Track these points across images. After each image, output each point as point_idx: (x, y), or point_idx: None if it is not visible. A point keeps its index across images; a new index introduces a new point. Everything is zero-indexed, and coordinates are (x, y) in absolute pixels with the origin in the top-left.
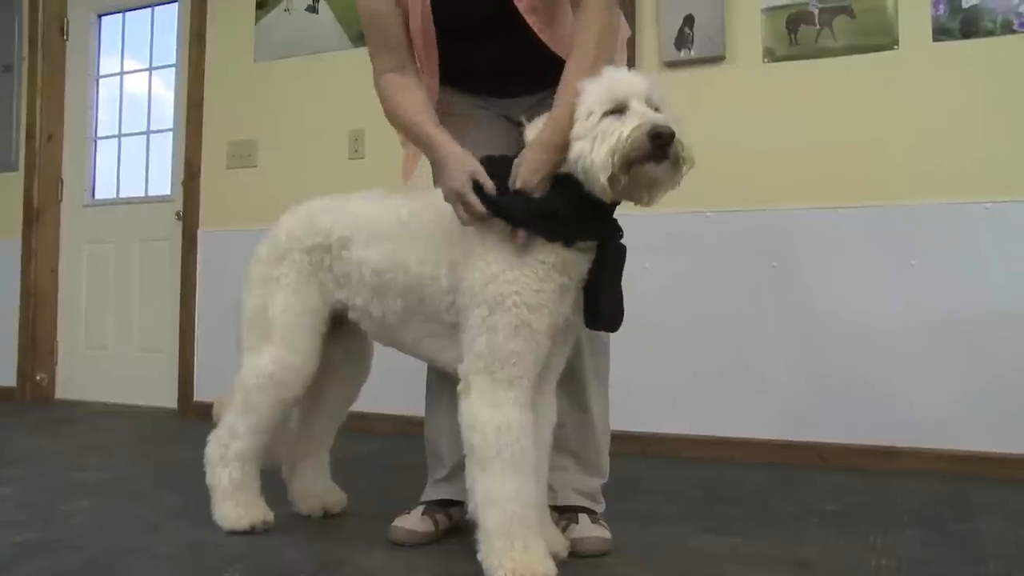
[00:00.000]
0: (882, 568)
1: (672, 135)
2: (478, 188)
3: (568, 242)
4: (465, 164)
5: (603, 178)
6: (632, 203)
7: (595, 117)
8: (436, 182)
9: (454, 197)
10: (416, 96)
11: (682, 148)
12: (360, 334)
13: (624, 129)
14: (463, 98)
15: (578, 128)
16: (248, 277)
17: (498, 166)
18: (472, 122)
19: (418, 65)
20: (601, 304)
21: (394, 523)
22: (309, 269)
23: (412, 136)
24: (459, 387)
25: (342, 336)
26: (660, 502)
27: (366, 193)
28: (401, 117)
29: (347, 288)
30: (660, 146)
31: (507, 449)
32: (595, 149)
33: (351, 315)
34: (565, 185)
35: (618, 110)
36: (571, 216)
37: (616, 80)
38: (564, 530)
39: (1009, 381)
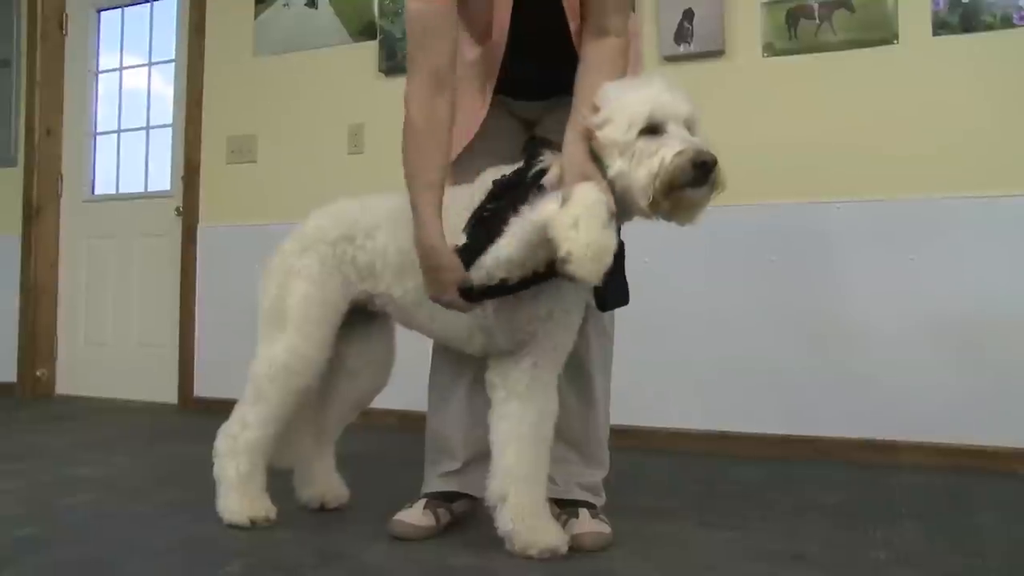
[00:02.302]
0: (880, 561)
1: (715, 162)
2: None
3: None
4: (454, 271)
5: (643, 203)
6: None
7: (632, 132)
8: (421, 256)
9: (444, 304)
10: (439, 149)
11: (720, 173)
12: (384, 343)
13: (666, 154)
14: None
15: (614, 138)
16: (268, 269)
17: (507, 188)
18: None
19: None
20: (608, 292)
21: (396, 517)
22: (332, 261)
23: (409, 188)
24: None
25: (365, 341)
26: (659, 496)
27: (392, 192)
28: (412, 163)
29: (371, 278)
30: (704, 173)
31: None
32: (634, 170)
33: (378, 303)
34: None
35: (654, 129)
36: None
37: (661, 101)
38: (564, 525)
39: (1008, 375)
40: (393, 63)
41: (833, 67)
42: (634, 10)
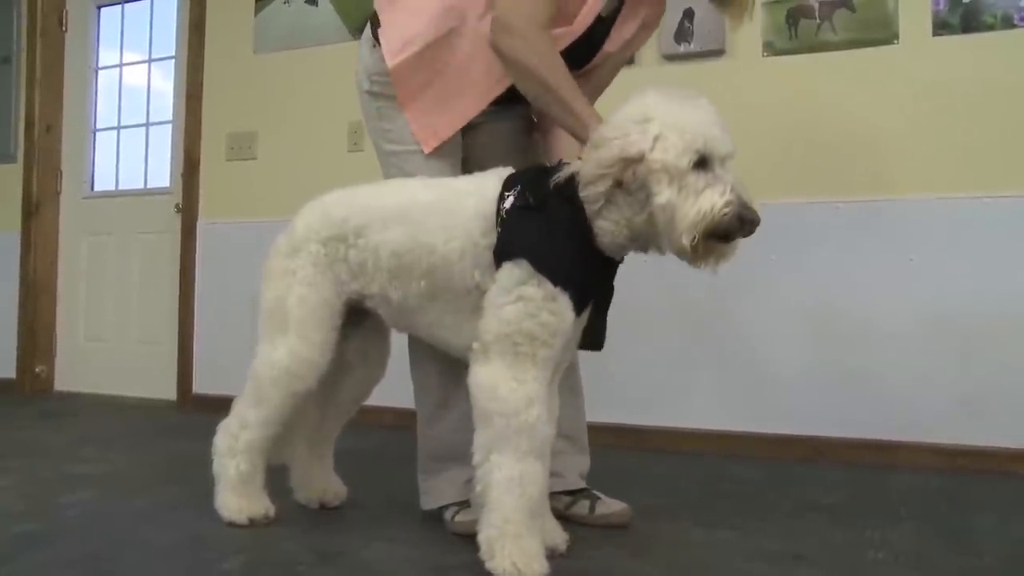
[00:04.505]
0: (878, 561)
1: (759, 223)
2: None
3: (578, 311)
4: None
5: (685, 241)
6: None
7: (685, 160)
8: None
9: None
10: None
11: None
12: (379, 336)
13: (717, 200)
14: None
15: (666, 162)
16: (266, 270)
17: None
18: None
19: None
20: (587, 335)
21: (456, 519)
22: (325, 261)
23: (554, 105)
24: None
25: (360, 335)
26: (658, 495)
27: (380, 183)
28: (557, 85)
29: (362, 277)
30: (746, 233)
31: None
32: (682, 205)
33: (369, 304)
34: (585, 249)
35: (702, 162)
36: (588, 282)
37: (713, 134)
38: (590, 509)
39: (1006, 376)
40: None
41: (833, 67)
42: None
